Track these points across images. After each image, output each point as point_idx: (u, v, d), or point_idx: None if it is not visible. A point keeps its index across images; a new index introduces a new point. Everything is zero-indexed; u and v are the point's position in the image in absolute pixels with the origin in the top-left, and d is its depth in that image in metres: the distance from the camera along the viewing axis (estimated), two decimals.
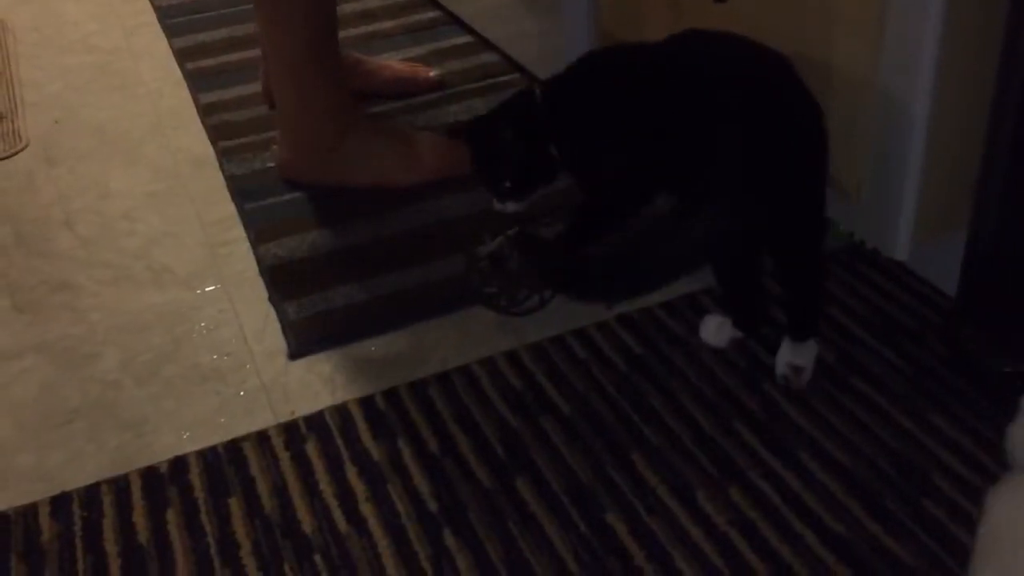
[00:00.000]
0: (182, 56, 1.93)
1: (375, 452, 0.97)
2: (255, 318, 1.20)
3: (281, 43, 1.35)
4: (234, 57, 1.90)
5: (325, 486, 0.94)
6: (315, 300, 1.20)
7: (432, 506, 0.90)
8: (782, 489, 0.88)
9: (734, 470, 0.90)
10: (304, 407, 1.05)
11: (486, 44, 1.84)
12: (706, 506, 0.87)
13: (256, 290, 1.25)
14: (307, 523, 0.90)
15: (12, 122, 1.75)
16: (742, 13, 1.14)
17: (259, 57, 1.78)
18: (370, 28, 1.92)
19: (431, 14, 2.00)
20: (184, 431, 1.03)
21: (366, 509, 0.91)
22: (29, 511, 0.94)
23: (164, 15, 2.12)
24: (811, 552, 0.83)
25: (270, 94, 1.62)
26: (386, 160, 1.42)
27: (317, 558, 0.86)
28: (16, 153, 1.65)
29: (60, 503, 0.94)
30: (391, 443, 0.98)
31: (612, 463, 0.92)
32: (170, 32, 2.04)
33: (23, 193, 1.52)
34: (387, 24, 1.96)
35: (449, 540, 0.87)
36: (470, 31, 1.89)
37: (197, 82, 1.82)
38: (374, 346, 1.13)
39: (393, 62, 1.72)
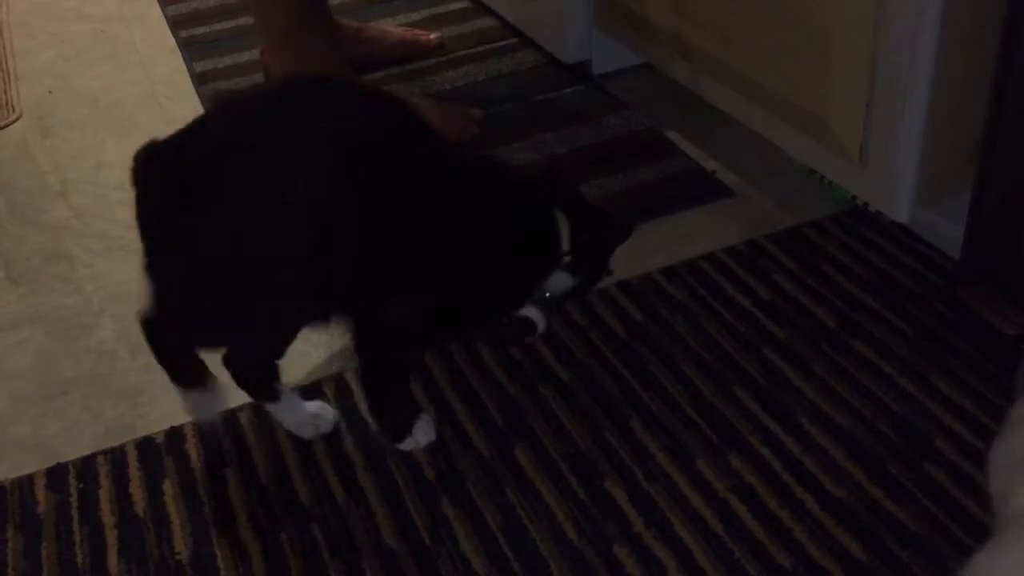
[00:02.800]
0: (175, 24, 1.91)
1: (372, 422, 0.96)
2: None
3: (270, 11, 1.33)
4: (228, 25, 1.87)
5: (322, 456, 0.93)
6: None
7: (430, 474, 0.90)
8: (782, 454, 0.88)
9: (734, 436, 0.90)
10: (297, 376, 1.04)
11: (484, 8, 1.81)
12: (706, 472, 0.87)
13: None
14: (304, 493, 0.89)
15: (5, 92, 1.73)
16: None
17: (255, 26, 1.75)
18: None
19: None
20: (179, 401, 1.02)
21: (364, 478, 0.90)
22: (25, 482, 0.93)
23: None
24: (811, 517, 0.82)
25: (266, 62, 1.60)
26: None
27: (314, 528, 0.86)
28: (10, 124, 1.63)
29: (56, 474, 0.94)
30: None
31: (611, 430, 0.92)
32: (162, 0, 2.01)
33: (17, 163, 1.50)
34: None
35: (447, 509, 0.86)
36: None
37: (191, 50, 1.80)
38: None
39: (393, 27, 1.70)
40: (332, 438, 0.95)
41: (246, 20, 1.87)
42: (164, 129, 1.54)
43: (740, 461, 0.87)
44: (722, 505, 0.84)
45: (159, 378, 1.05)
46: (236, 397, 1.01)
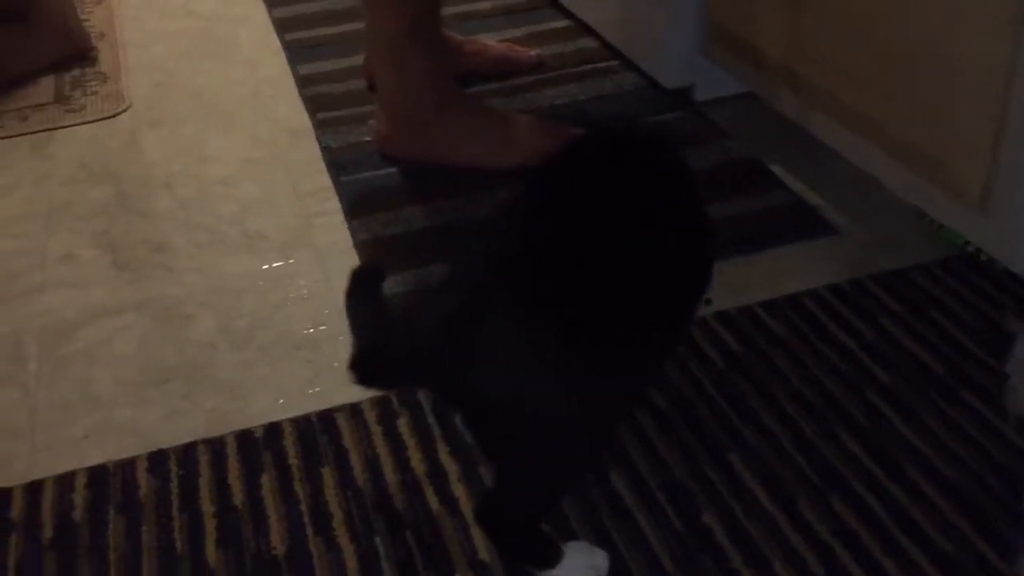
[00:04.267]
0: (280, 26, 1.95)
1: (467, 434, 0.96)
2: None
3: (384, 18, 1.35)
4: (332, 30, 1.91)
5: (417, 463, 0.93)
6: (408, 278, 1.20)
7: None
8: (887, 501, 0.86)
9: (837, 478, 0.88)
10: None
11: (584, 28, 1.82)
12: (807, 513, 0.85)
13: (349, 263, 1.25)
14: (399, 499, 0.90)
15: (116, 83, 1.79)
16: (869, 5, 1.10)
17: (359, 32, 1.78)
18: (466, 8, 1.92)
19: None
20: (278, 398, 1.04)
21: (458, 489, 0.90)
22: (127, 465, 0.95)
23: None
24: (917, 568, 0.80)
25: (371, 70, 1.63)
26: (484, 141, 1.41)
27: (408, 536, 0.86)
28: (119, 113, 1.68)
29: (157, 460, 0.96)
30: None
31: (709, 461, 0.91)
32: (269, 2, 2.06)
33: (126, 153, 1.55)
34: (483, 5, 1.95)
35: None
36: (568, 15, 1.87)
37: (295, 53, 1.83)
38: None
39: (493, 42, 1.71)
40: (426, 446, 0.96)
41: (349, 26, 1.90)
42: (266, 127, 1.59)
43: (843, 505, 0.85)
44: (824, 548, 0.82)
45: (257, 374, 1.07)
46: (326, 400, 1.03)
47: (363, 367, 0.73)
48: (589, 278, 0.71)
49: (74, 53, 1.87)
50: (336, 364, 1.08)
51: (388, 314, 0.86)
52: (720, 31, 1.41)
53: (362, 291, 0.84)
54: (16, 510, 0.91)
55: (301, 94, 1.69)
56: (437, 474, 0.92)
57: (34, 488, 0.93)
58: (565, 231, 0.73)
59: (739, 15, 1.35)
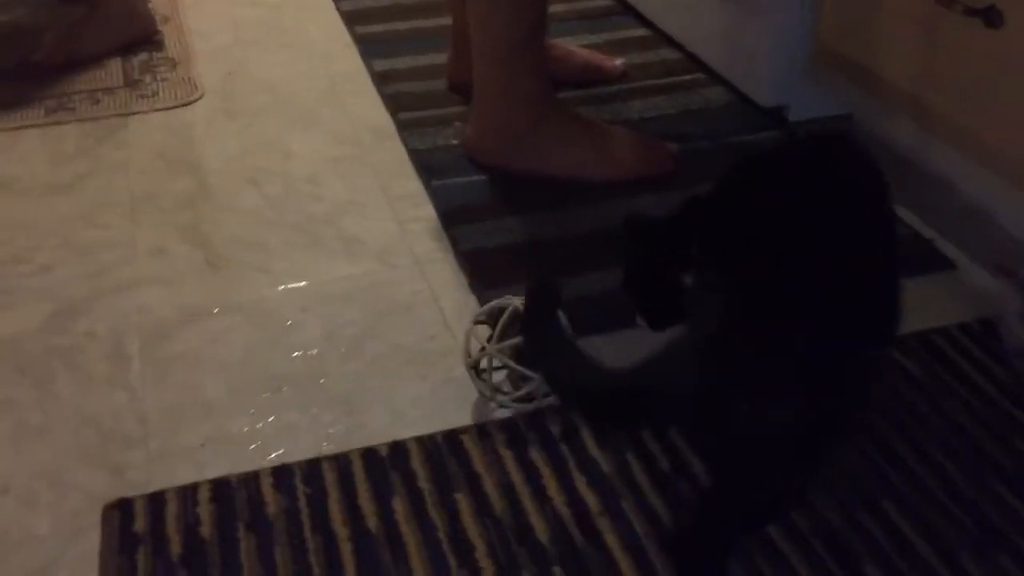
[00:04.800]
0: (350, 19, 1.91)
1: (603, 463, 0.93)
2: (454, 303, 1.17)
3: (498, 31, 1.31)
4: (404, 25, 1.87)
5: (554, 493, 0.90)
6: (518, 293, 1.16)
7: (672, 529, 0.86)
8: None
9: (999, 534, 0.85)
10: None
11: (665, 38, 1.79)
12: (973, 571, 0.83)
13: (452, 273, 1.22)
14: (541, 530, 0.87)
15: (187, 70, 1.74)
16: (1016, 40, 1.07)
17: (432, 28, 1.74)
18: None
19: (605, 2, 1.95)
20: (397, 414, 1.01)
21: (601, 524, 0.87)
22: (251, 480, 0.92)
23: None
24: None
25: (455, 70, 1.60)
26: (581, 152, 1.38)
27: (557, 571, 0.83)
28: (193, 102, 1.64)
29: (282, 475, 0.92)
30: (619, 455, 0.94)
31: (861, 508, 0.88)
32: None
33: (205, 144, 1.51)
34: (559, 8, 1.91)
35: None
36: (646, 23, 1.84)
37: (368, 48, 1.80)
38: (595, 345, 1.08)
39: (579, 49, 1.68)
40: (562, 475, 0.93)
41: (421, 22, 1.87)
42: (346, 125, 1.55)
43: (1011, 562, 0.83)
44: None
45: (371, 386, 1.04)
46: (447, 418, 0.99)
47: (601, 406, 0.71)
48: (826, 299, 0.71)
49: (140, 36, 1.83)
50: (451, 380, 1.05)
51: (573, 343, 0.83)
52: (829, 53, 1.38)
53: (542, 311, 0.81)
54: (140, 523, 0.87)
55: (379, 92, 1.66)
56: (577, 505, 0.89)
57: (156, 500, 0.90)
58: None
59: (858, 41, 1.32)
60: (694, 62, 1.70)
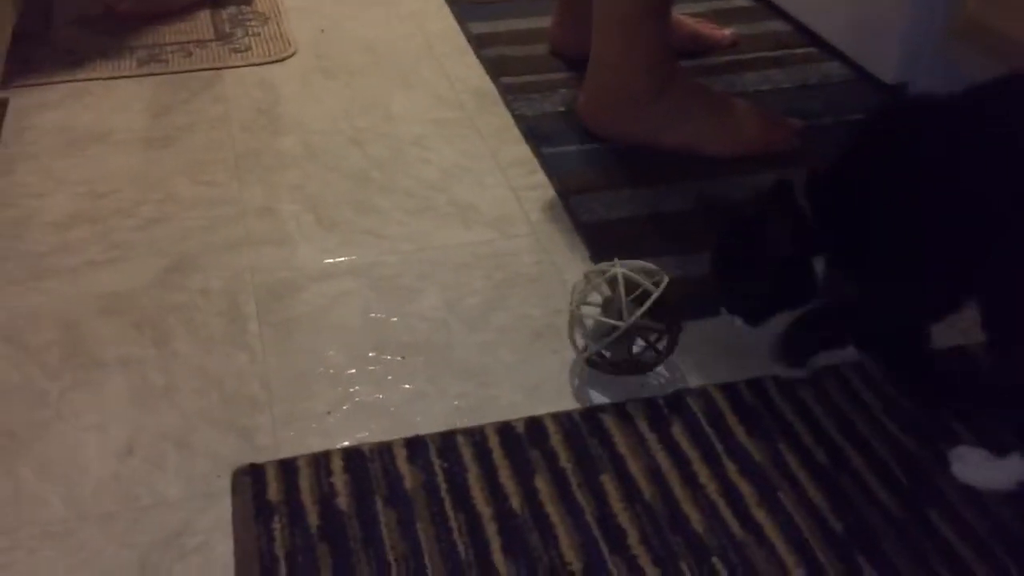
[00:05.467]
0: None
1: (754, 451, 0.88)
2: (578, 276, 1.12)
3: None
4: None
5: (705, 480, 0.86)
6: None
7: (836, 526, 0.81)
8: None
9: None
10: (650, 383, 0.97)
11: (773, 9, 1.72)
12: None
13: (572, 245, 1.17)
14: (696, 520, 0.82)
15: (278, 24, 1.70)
16: None
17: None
18: None
19: None
20: (530, 389, 0.96)
21: (758, 514, 0.82)
22: (384, 450, 0.88)
23: None
24: None
25: (560, 35, 1.54)
26: (701, 125, 1.32)
27: (716, 562, 0.79)
28: (287, 58, 1.59)
29: (416, 447, 0.88)
30: (770, 444, 0.89)
31: None
32: None
33: (304, 102, 1.46)
34: None
35: (866, 568, 0.78)
36: None
37: (463, 9, 1.74)
38: (719, 328, 1.03)
39: (686, 18, 1.61)
40: (711, 460, 0.88)
41: None
42: (447, 87, 1.50)
43: None
44: None
45: (501, 359, 0.99)
46: (581, 396, 0.95)
47: None
48: None
49: None
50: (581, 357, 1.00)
51: None
52: (975, 25, 1.30)
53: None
54: (273, 490, 0.84)
55: (478, 55, 1.60)
56: (731, 494, 0.84)
57: (288, 467, 0.86)
58: None
59: (1011, 10, 1.24)
60: (805, 34, 1.63)
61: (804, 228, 0.86)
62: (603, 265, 0.98)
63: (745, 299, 0.91)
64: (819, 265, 0.87)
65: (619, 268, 0.95)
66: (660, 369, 0.98)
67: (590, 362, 0.96)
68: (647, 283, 0.94)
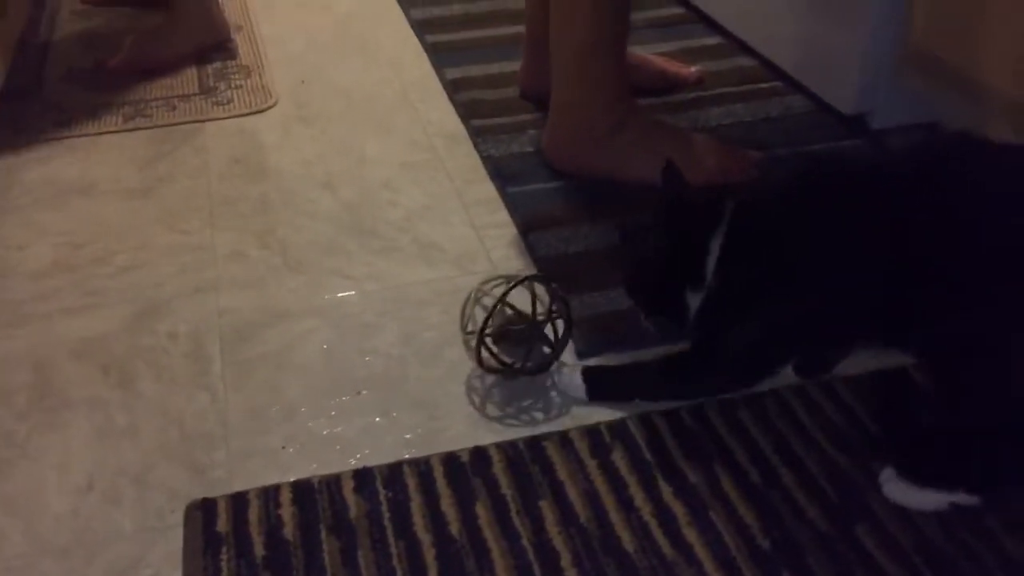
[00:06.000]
0: (420, 28, 1.91)
1: (690, 473, 0.91)
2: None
3: (575, 29, 1.30)
4: (474, 34, 1.87)
5: (640, 503, 0.88)
6: (598, 299, 1.15)
7: (763, 543, 0.84)
8: None
9: None
10: (601, 412, 1.00)
11: (740, 46, 1.76)
12: None
13: None
14: (627, 540, 0.85)
15: (260, 77, 1.76)
16: None
17: (503, 36, 1.74)
18: None
19: (677, 10, 1.93)
20: (477, 420, 1.00)
21: (690, 534, 0.85)
22: (332, 482, 0.91)
23: None
24: None
25: (528, 78, 1.59)
26: (660, 158, 1.35)
27: None
28: (267, 109, 1.65)
29: (364, 478, 0.91)
30: (706, 466, 0.92)
31: (962, 523, 0.84)
32: (404, 2, 2.02)
33: (281, 150, 1.52)
34: (632, 17, 1.89)
35: None
36: (720, 31, 1.82)
37: (439, 56, 1.80)
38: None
39: (653, 57, 1.66)
40: (647, 483, 0.90)
41: (492, 31, 1.86)
42: (421, 131, 1.55)
43: None
44: None
45: (451, 391, 1.03)
46: (536, 423, 0.98)
47: None
48: None
49: (215, 42, 1.85)
50: (532, 387, 1.03)
51: None
52: (919, 56, 1.34)
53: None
54: (223, 523, 0.87)
55: (452, 99, 1.65)
56: (664, 515, 0.87)
57: (239, 500, 0.89)
58: None
59: (953, 41, 1.28)
60: (771, 69, 1.67)
61: (692, 204, 0.92)
62: (481, 286, 1.04)
63: (643, 286, 0.96)
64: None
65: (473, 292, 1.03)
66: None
67: (526, 373, 1.02)
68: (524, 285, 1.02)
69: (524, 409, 1.01)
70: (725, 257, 0.90)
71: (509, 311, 1.03)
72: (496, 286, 1.02)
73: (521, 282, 1.01)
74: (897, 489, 0.87)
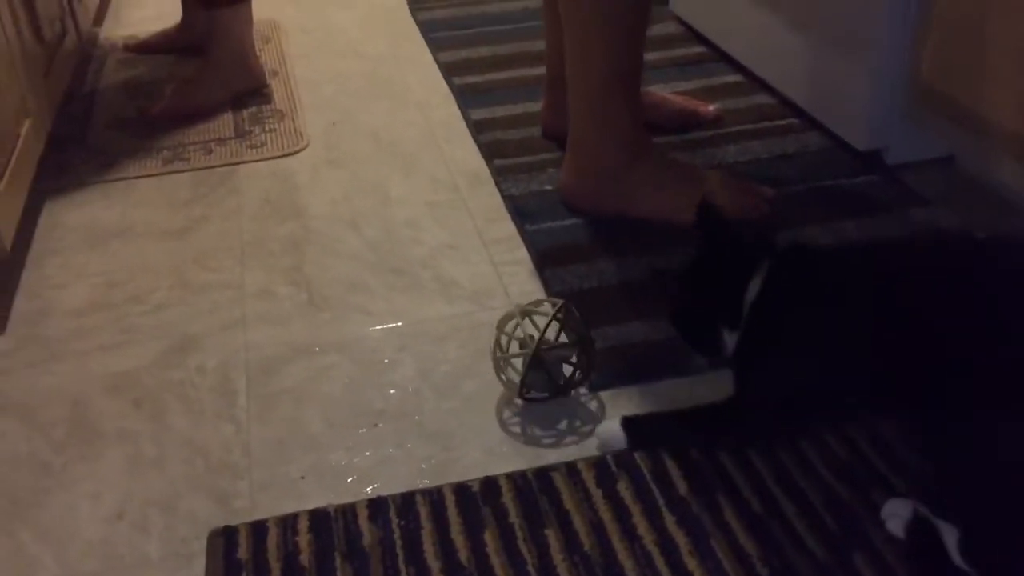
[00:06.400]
0: (448, 70, 1.97)
1: (693, 503, 0.93)
2: None
3: (589, 68, 1.35)
4: (500, 75, 1.92)
5: (643, 532, 0.91)
6: (611, 333, 1.18)
7: (763, 571, 0.86)
8: None
9: None
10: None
11: (759, 84, 1.79)
12: None
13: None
14: (629, 567, 0.87)
15: (293, 120, 1.83)
16: None
17: (528, 77, 1.79)
18: None
19: (698, 49, 1.97)
20: (489, 451, 1.03)
21: (690, 563, 0.87)
22: (348, 510, 0.95)
23: (426, 28, 2.18)
24: None
25: (549, 118, 1.63)
26: (675, 195, 1.39)
27: None
28: (299, 151, 1.71)
29: (378, 507, 0.95)
30: (710, 496, 0.94)
31: None
32: (433, 46, 2.09)
33: (310, 191, 1.58)
34: (652, 56, 1.94)
35: None
36: (741, 69, 1.85)
37: (466, 97, 1.85)
38: (679, 389, 1.09)
39: (672, 95, 1.70)
40: (651, 513, 0.93)
41: (517, 72, 1.92)
42: (445, 171, 1.60)
43: None
44: None
45: (467, 423, 1.06)
46: (540, 456, 1.01)
47: None
48: None
49: (251, 88, 1.93)
50: (544, 419, 1.07)
51: None
52: (930, 94, 1.36)
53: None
54: (243, 550, 0.91)
55: (476, 139, 1.70)
56: (666, 544, 0.89)
57: (258, 528, 0.93)
58: None
59: (961, 80, 1.30)
60: (789, 107, 1.70)
61: (735, 245, 0.95)
62: (511, 310, 1.08)
63: (684, 320, 0.99)
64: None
65: (516, 312, 1.07)
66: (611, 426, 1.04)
67: (523, 398, 1.06)
68: (549, 310, 1.06)
69: (561, 432, 1.04)
70: (761, 302, 0.93)
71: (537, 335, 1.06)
72: (527, 311, 1.06)
73: (560, 309, 1.06)
74: (901, 522, 0.88)
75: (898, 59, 1.41)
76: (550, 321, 1.05)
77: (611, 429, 1.01)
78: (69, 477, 1.02)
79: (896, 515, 0.89)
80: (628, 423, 1.01)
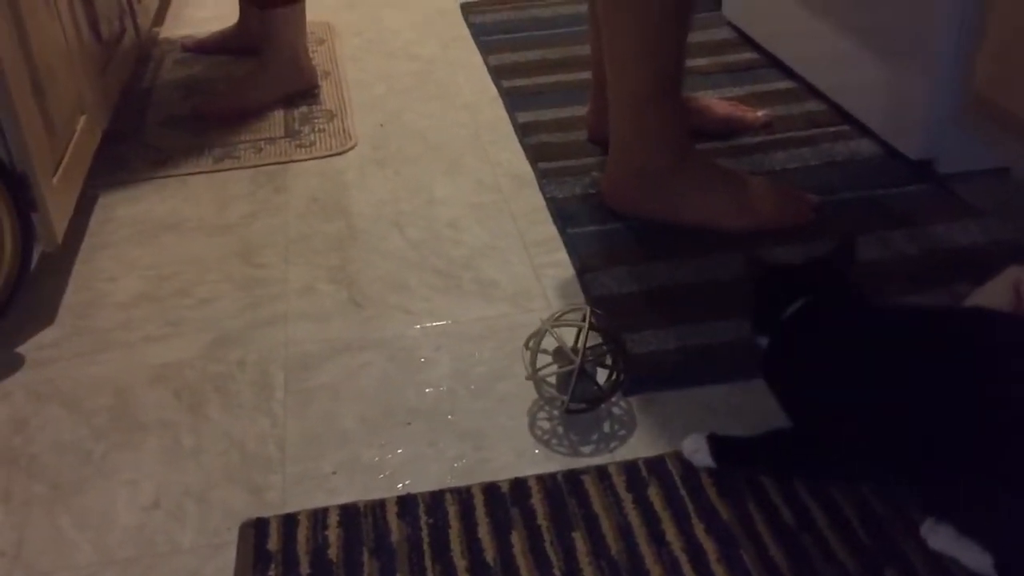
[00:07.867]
0: (497, 73, 1.98)
1: (723, 511, 0.92)
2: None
3: (630, 76, 1.34)
4: (548, 79, 1.92)
5: (672, 537, 0.90)
6: (648, 338, 1.17)
7: None
8: None
9: None
10: (641, 448, 1.02)
11: (811, 91, 1.77)
12: None
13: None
14: (657, 574, 0.86)
15: (342, 121, 1.85)
16: None
17: (575, 82, 1.79)
18: (687, 65, 1.90)
19: (749, 55, 1.95)
20: (521, 452, 1.03)
21: (718, 570, 0.86)
22: (377, 507, 0.96)
23: (478, 31, 2.19)
24: None
25: (595, 123, 1.63)
26: (718, 201, 1.38)
27: None
28: (347, 151, 1.73)
29: (407, 504, 0.96)
30: (740, 504, 0.93)
31: None
32: (484, 49, 2.10)
33: (356, 190, 1.59)
34: (703, 62, 1.93)
35: None
36: (792, 76, 1.83)
37: (513, 100, 1.85)
38: (714, 395, 1.08)
39: (720, 101, 1.68)
40: (681, 519, 0.92)
41: (565, 76, 1.92)
42: (489, 173, 1.61)
43: None
44: None
45: (499, 424, 1.06)
46: (570, 459, 1.01)
47: None
48: None
49: (303, 88, 1.95)
50: (577, 422, 1.07)
51: None
52: (984, 103, 1.33)
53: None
54: (273, 542, 0.93)
55: (522, 142, 1.71)
56: (694, 551, 0.88)
57: (289, 521, 0.95)
58: None
59: (1016, 90, 1.27)
60: (840, 114, 1.68)
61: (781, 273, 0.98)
62: (539, 327, 1.07)
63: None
64: None
65: (548, 324, 1.05)
66: (646, 434, 1.03)
67: (569, 411, 1.04)
68: (577, 322, 1.05)
69: (594, 437, 1.04)
70: (788, 324, 0.95)
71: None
72: (561, 318, 1.06)
73: (590, 316, 1.05)
74: (940, 538, 0.86)
75: (953, 67, 1.38)
76: (587, 331, 1.04)
77: (698, 446, 0.98)
78: (109, 465, 1.04)
79: (936, 531, 0.87)
80: (714, 441, 0.97)
